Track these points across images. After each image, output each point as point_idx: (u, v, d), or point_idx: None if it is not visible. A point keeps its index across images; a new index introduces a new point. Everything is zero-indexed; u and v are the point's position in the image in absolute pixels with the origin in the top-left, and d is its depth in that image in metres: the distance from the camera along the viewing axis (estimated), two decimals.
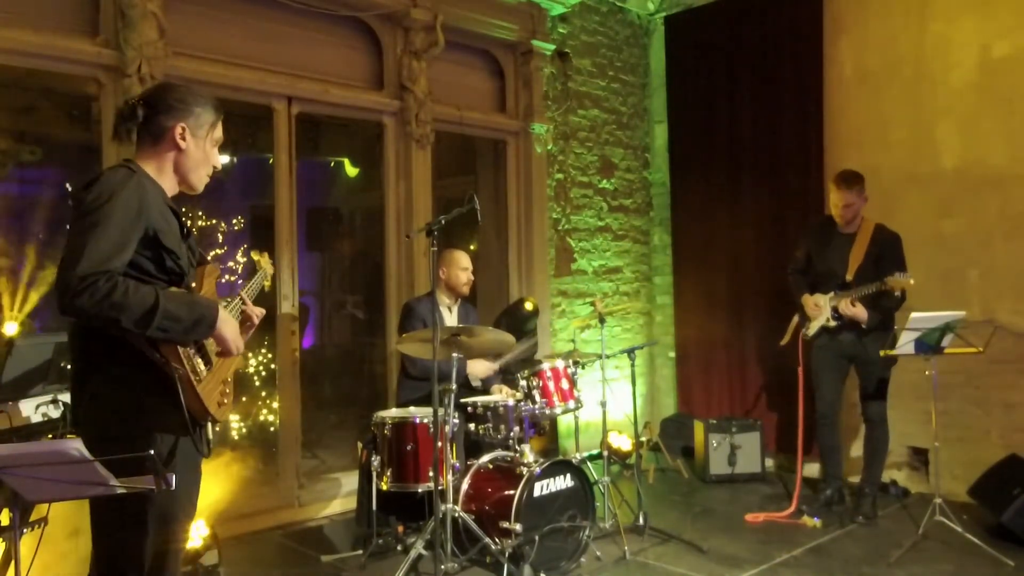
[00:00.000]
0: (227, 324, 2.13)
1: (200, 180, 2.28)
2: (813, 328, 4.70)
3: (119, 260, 1.95)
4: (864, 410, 4.70)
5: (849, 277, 4.59)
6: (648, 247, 7.09)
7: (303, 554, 4.28)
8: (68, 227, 2.03)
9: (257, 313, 2.38)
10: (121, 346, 1.98)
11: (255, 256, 2.82)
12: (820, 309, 4.66)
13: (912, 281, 4.22)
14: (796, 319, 4.84)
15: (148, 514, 2.00)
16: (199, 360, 2.09)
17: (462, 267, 4.50)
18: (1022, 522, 4.16)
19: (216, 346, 2.16)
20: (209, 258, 2.43)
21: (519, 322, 5.31)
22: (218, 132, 2.30)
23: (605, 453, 4.52)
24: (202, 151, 2.24)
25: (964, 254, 5.16)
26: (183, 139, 2.19)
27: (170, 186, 2.22)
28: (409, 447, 3.81)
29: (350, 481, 4.93)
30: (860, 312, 4.48)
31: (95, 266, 1.90)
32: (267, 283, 2.74)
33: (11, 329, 3.62)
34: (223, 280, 2.43)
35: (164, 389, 1.99)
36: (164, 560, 2.05)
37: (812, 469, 5.39)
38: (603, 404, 4.52)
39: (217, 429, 2.27)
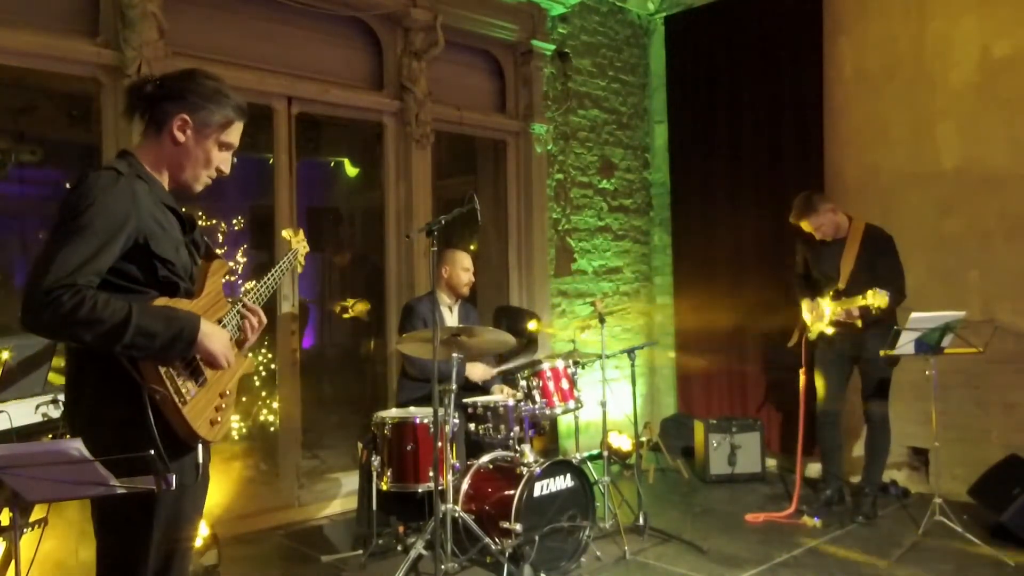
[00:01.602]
0: (212, 338, 1.96)
1: (195, 180, 2.11)
2: (814, 332, 4.71)
3: (90, 273, 1.81)
4: (865, 411, 4.70)
5: (842, 285, 4.60)
6: (648, 247, 7.09)
7: (303, 554, 4.28)
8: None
9: (259, 322, 2.18)
10: (117, 370, 1.88)
11: (286, 234, 2.57)
12: (818, 313, 4.66)
13: (887, 300, 4.21)
14: (801, 322, 4.85)
15: (153, 518, 1.95)
16: (187, 379, 1.95)
17: (464, 267, 4.50)
18: (1022, 522, 4.16)
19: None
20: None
21: (517, 330, 5.29)
22: (229, 136, 2.11)
23: (605, 453, 4.53)
24: (203, 150, 2.07)
25: (964, 254, 5.16)
26: (182, 132, 2.03)
27: (167, 181, 2.09)
28: (409, 447, 3.81)
29: (350, 481, 4.93)
30: (852, 312, 4.49)
31: (61, 279, 1.76)
32: (300, 264, 2.56)
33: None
34: (223, 280, 2.30)
35: (147, 411, 1.87)
36: (171, 562, 2.02)
37: (812, 469, 5.39)
38: (603, 404, 4.52)
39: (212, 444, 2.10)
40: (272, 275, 2.35)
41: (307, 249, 2.62)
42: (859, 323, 4.48)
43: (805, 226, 4.71)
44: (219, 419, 2.04)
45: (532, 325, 5.37)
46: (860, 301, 4.33)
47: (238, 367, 2.16)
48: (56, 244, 1.81)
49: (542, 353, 5.71)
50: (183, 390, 1.93)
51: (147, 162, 2.06)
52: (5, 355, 2.99)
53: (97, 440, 1.86)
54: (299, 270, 2.58)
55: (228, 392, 2.10)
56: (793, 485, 4.93)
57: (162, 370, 1.89)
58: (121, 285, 1.91)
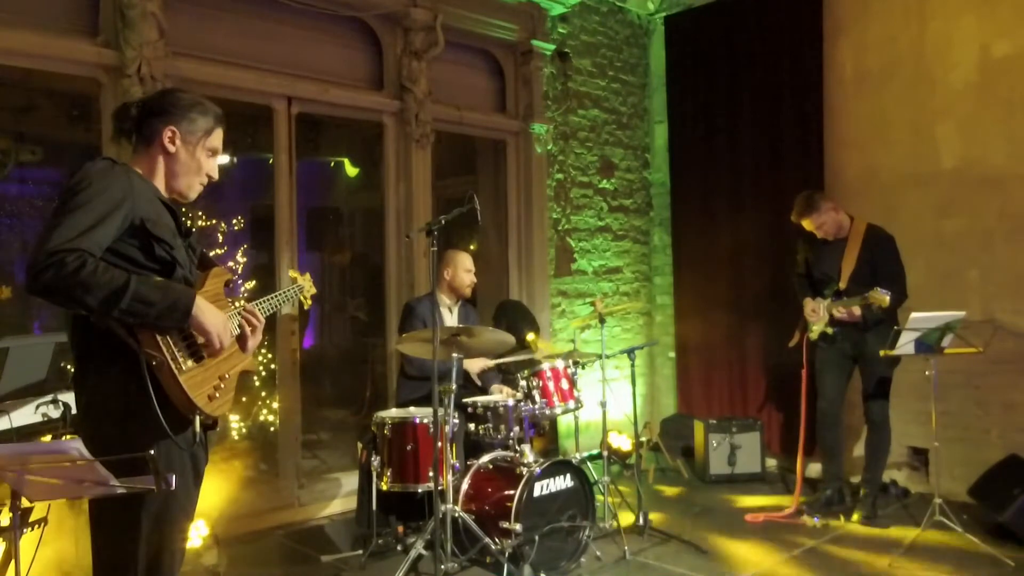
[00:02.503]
0: (207, 314, 2.02)
1: (190, 188, 2.23)
2: (815, 331, 4.71)
3: (91, 241, 1.90)
4: (866, 411, 4.70)
5: (842, 285, 4.60)
6: (648, 247, 7.09)
7: (303, 554, 4.28)
8: None
9: (254, 323, 2.25)
10: (119, 344, 1.95)
11: (293, 275, 2.77)
12: (819, 313, 4.66)
13: (888, 299, 4.22)
14: (802, 322, 4.85)
15: (142, 515, 1.98)
16: (184, 351, 2.01)
17: (466, 269, 4.50)
18: (1022, 522, 4.16)
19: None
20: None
21: (517, 331, 5.28)
22: (213, 141, 2.24)
23: (605, 453, 4.52)
24: (193, 158, 2.20)
25: (964, 254, 5.16)
26: (172, 143, 2.16)
27: (162, 188, 2.19)
28: (409, 447, 3.81)
29: (350, 481, 4.93)
30: (854, 312, 4.49)
31: (63, 244, 1.85)
32: (306, 301, 2.69)
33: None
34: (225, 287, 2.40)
35: (153, 386, 1.93)
36: (160, 561, 2.03)
37: (812, 469, 5.39)
38: (603, 404, 4.52)
39: (208, 427, 2.17)
40: (274, 297, 2.45)
41: (314, 290, 2.74)
42: (863, 319, 4.48)
43: (807, 225, 4.71)
44: (217, 396, 2.09)
45: (530, 336, 5.37)
46: (862, 301, 4.34)
47: (239, 360, 2.22)
48: (57, 219, 1.91)
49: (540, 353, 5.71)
50: (179, 359, 1.99)
51: (142, 172, 2.16)
52: None
53: (101, 416, 1.96)
54: (306, 306, 2.69)
55: (227, 377, 2.15)
56: (794, 485, 4.93)
57: (159, 337, 1.96)
58: (121, 266, 1.98)
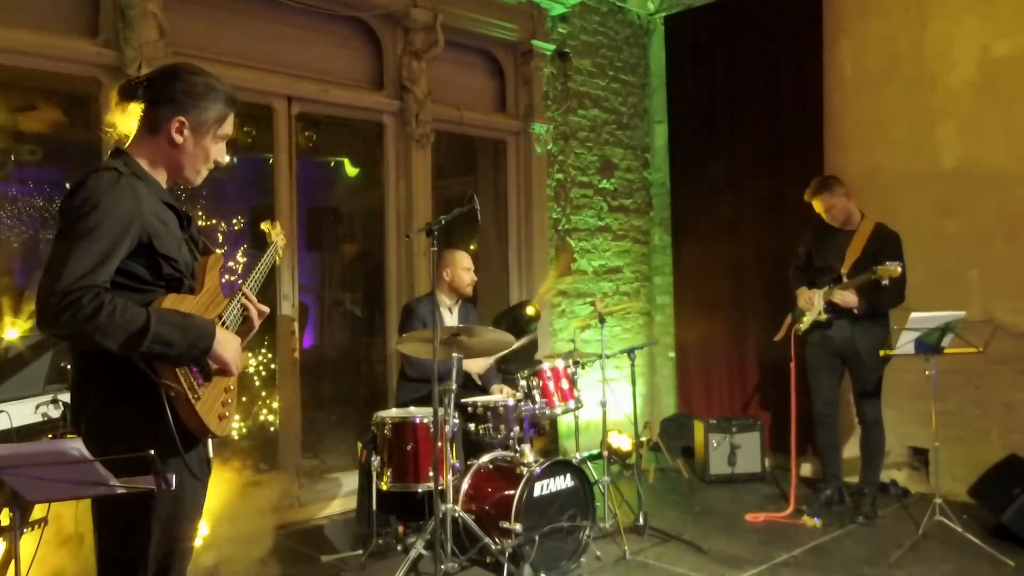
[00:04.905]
0: (226, 346, 2.00)
1: (197, 175, 2.12)
2: (806, 322, 4.71)
3: (105, 274, 1.83)
4: (858, 411, 4.71)
5: (844, 271, 4.61)
6: (648, 247, 7.09)
7: (303, 554, 4.28)
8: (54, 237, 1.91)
9: (260, 311, 2.21)
10: (123, 361, 1.89)
11: (265, 227, 2.61)
12: (812, 303, 4.67)
13: (900, 269, 4.22)
14: (791, 315, 4.85)
15: (152, 517, 1.96)
16: (198, 375, 1.98)
17: (465, 267, 4.50)
18: (1022, 522, 4.16)
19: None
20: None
21: (519, 325, 5.30)
22: (225, 128, 2.12)
23: (605, 453, 4.52)
24: (202, 148, 2.08)
25: (964, 254, 5.16)
26: (180, 135, 2.03)
27: (164, 178, 2.10)
28: (409, 447, 3.81)
29: (350, 481, 4.93)
30: (851, 298, 4.49)
31: (78, 281, 1.76)
32: (279, 257, 2.58)
33: (12, 334, 3.60)
34: (223, 280, 2.32)
35: (163, 407, 1.90)
36: (170, 562, 2.02)
37: (809, 468, 5.38)
38: (603, 404, 4.52)
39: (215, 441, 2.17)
40: (258, 270, 2.37)
41: (284, 241, 2.62)
42: (862, 303, 4.48)
43: (817, 205, 4.72)
44: (226, 414, 2.07)
45: (530, 310, 5.37)
46: (871, 275, 4.32)
47: (243, 364, 2.20)
48: (67, 247, 1.82)
49: (542, 352, 5.72)
50: (196, 387, 1.96)
51: (143, 161, 2.05)
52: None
53: (104, 441, 1.88)
54: (277, 262, 2.59)
55: (231, 388, 2.14)
56: (788, 484, 4.92)
57: (177, 370, 1.92)
58: (128, 285, 1.93)
